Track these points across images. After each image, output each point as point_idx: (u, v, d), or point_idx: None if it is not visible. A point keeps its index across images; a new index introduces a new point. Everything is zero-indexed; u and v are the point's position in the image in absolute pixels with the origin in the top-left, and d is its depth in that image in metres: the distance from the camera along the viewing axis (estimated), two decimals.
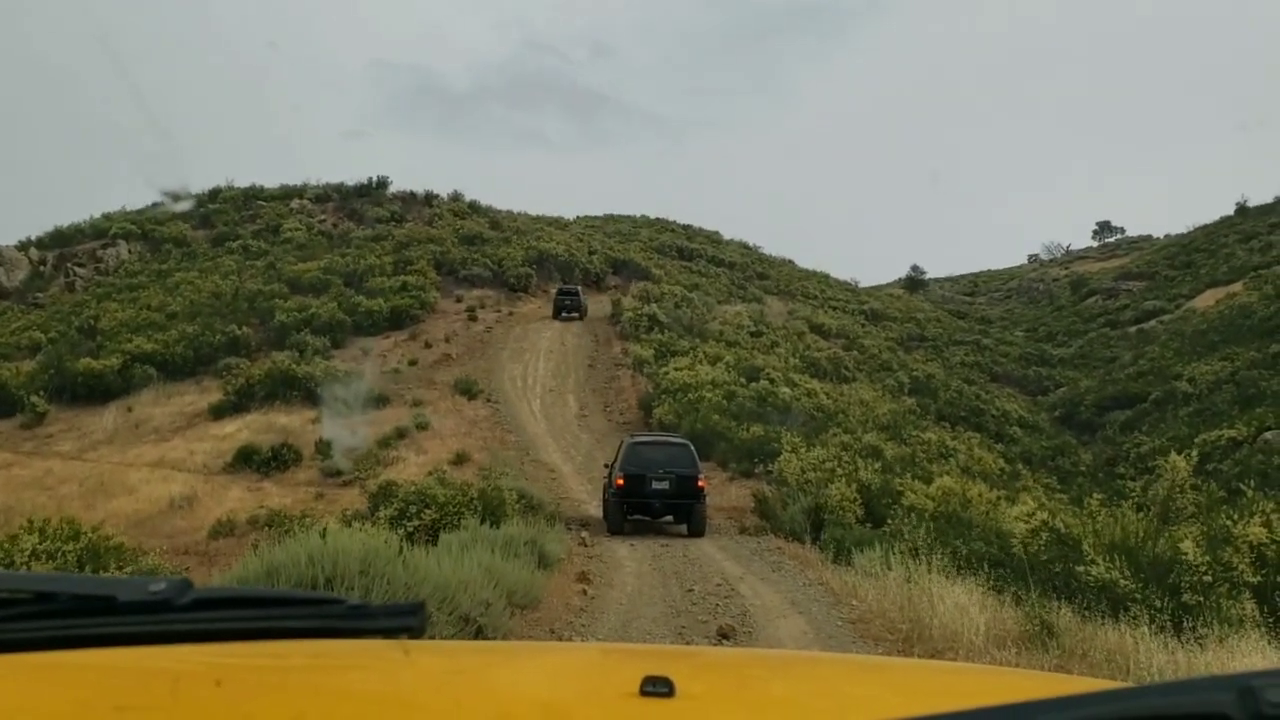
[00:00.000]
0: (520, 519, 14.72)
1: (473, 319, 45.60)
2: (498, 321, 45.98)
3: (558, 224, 73.52)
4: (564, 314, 46.89)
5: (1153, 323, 61.25)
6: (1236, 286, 58.06)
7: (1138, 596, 9.19)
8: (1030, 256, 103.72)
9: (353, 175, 68.16)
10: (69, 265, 54.21)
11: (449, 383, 34.93)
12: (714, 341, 42.02)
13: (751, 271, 72.69)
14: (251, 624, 1.09)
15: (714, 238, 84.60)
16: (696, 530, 17.86)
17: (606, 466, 20.19)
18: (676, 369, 34.73)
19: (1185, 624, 8.68)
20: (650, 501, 17.87)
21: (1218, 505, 13.62)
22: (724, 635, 9.37)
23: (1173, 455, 20.22)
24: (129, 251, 56.62)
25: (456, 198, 67.27)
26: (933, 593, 9.82)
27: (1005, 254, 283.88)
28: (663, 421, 29.07)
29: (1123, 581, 9.38)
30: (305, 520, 16.11)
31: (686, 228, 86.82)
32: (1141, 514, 13.36)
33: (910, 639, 9.07)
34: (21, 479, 27.80)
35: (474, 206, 66.41)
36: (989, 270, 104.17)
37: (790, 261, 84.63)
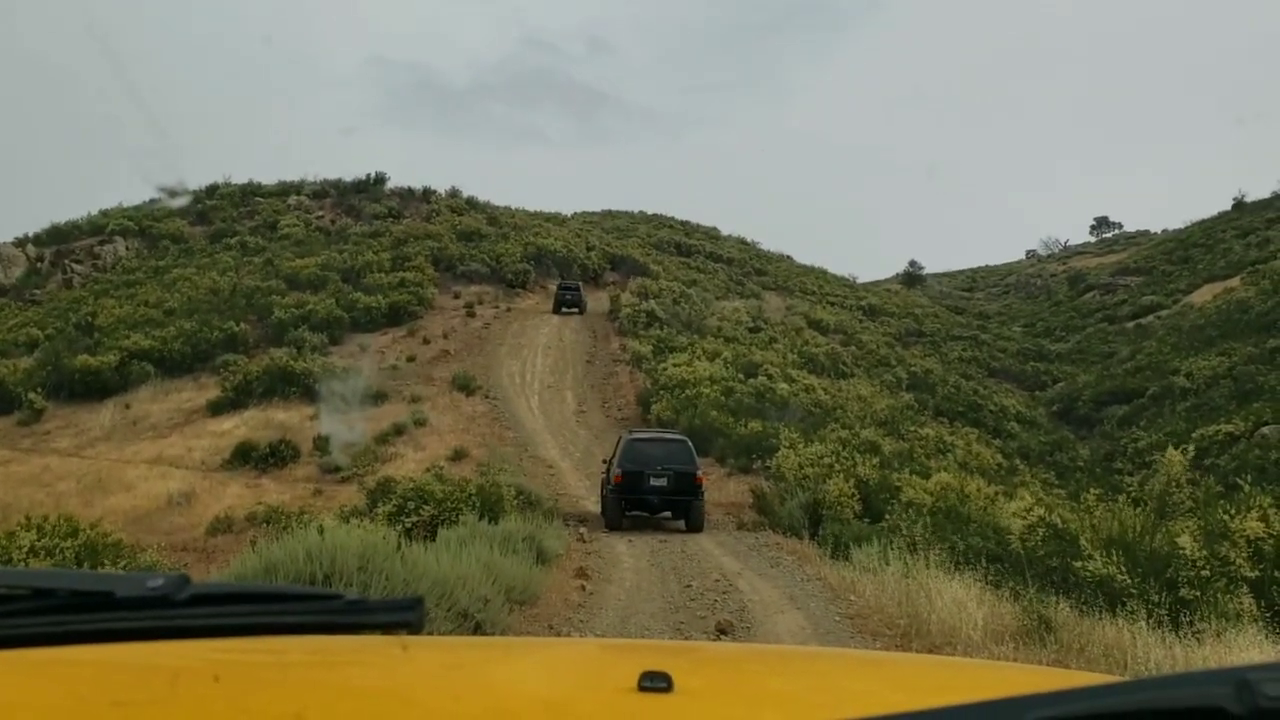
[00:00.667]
0: (518, 515, 14.71)
1: (471, 315, 45.58)
2: (496, 318, 45.95)
3: (555, 220, 73.45)
4: (564, 309, 47.25)
5: (1150, 318, 61.30)
6: (1234, 281, 58.09)
7: (1135, 591, 9.20)
8: (1028, 252, 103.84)
9: (350, 171, 68.00)
10: (66, 262, 54.13)
11: (447, 379, 34.91)
12: (712, 337, 42.04)
13: (749, 267, 72.71)
14: (250, 619, 1.09)
15: (712, 233, 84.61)
16: (695, 526, 17.87)
17: (604, 462, 20.19)
18: (675, 365, 34.73)
19: (1183, 619, 8.70)
20: (648, 498, 17.88)
21: (1215, 500, 13.64)
22: (722, 631, 9.38)
23: (1169, 450, 20.26)
24: (126, 248, 56.56)
25: (454, 194, 67.21)
26: (931, 588, 9.84)
27: (1003, 249, 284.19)
28: (661, 417, 29.07)
29: (1120, 576, 9.39)
30: (303, 517, 16.12)
31: (684, 224, 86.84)
32: (1139, 509, 13.37)
33: (908, 634, 9.08)
34: (19, 476, 27.78)
35: (472, 203, 66.36)
36: (987, 265, 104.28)
37: (788, 257, 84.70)
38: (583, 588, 11.50)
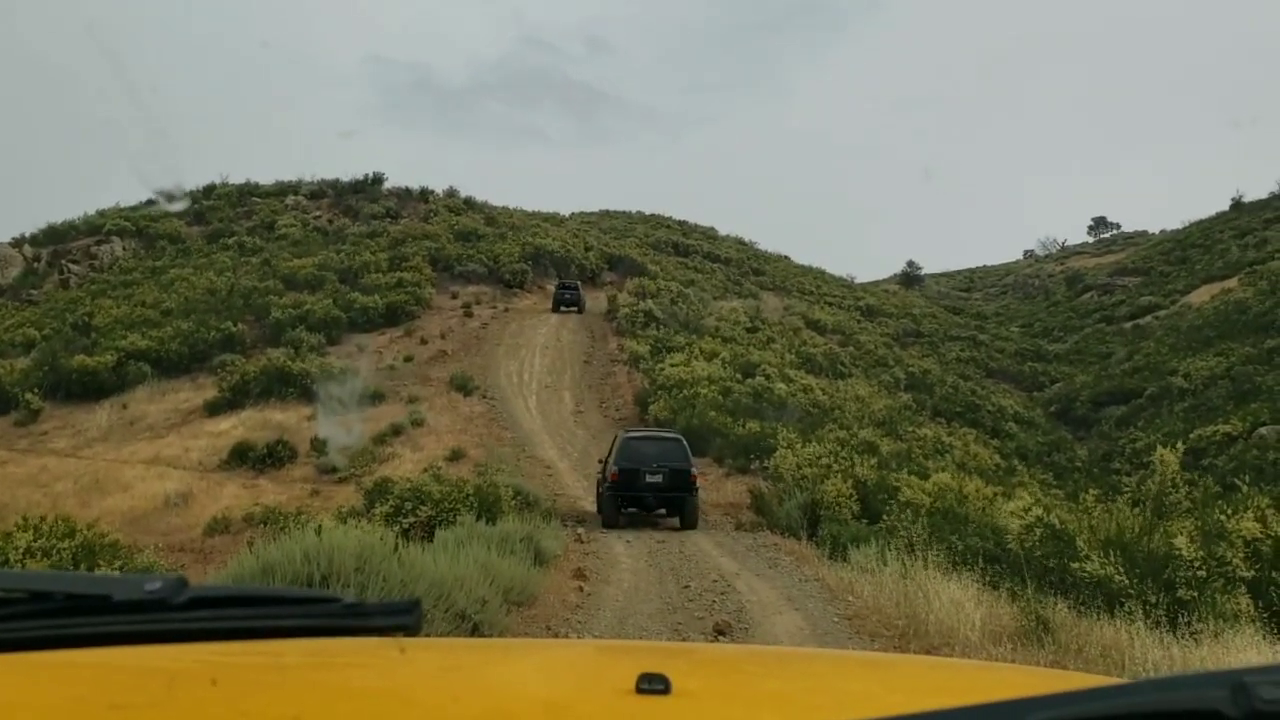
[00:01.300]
0: (516, 515, 14.69)
1: (468, 315, 45.57)
2: (494, 318, 45.94)
3: (553, 220, 73.47)
4: (563, 307, 47.56)
5: (1148, 318, 61.36)
6: (1232, 282, 58.18)
7: (1133, 592, 9.21)
8: (1026, 252, 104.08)
9: (348, 171, 67.89)
10: (63, 262, 54.06)
11: (445, 379, 34.90)
12: (710, 337, 42.02)
13: (747, 267, 72.75)
14: (247, 623, 1.09)
15: (710, 234, 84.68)
16: (689, 523, 18.11)
17: (600, 461, 20.39)
18: (672, 365, 34.73)
19: (1180, 619, 8.71)
20: (644, 495, 18.14)
21: (1212, 500, 13.65)
22: (720, 631, 9.38)
23: (1160, 450, 20.26)
24: (123, 248, 56.48)
25: (452, 194, 67.20)
26: (928, 588, 9.84)
27: (1001, 250, 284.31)
28: (658, 418, 29.08)
29: (1118, 577, 9.40)
30: (301, 517, 16.09)
31: (682, 224, 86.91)
32: (1136, 509, 13.38)
33: (906, 635, 9.08)
34: (16, 476, 27.75)
35: (469, 203, 66.34)
36: (985, 266, 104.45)
37: (786, 257, 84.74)
38: (581, 588, 11.49)
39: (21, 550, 8.93)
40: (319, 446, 27.77)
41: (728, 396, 31.02)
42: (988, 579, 10.68)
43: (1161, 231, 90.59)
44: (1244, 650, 7.72)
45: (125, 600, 1.06)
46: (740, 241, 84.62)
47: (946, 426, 39.32)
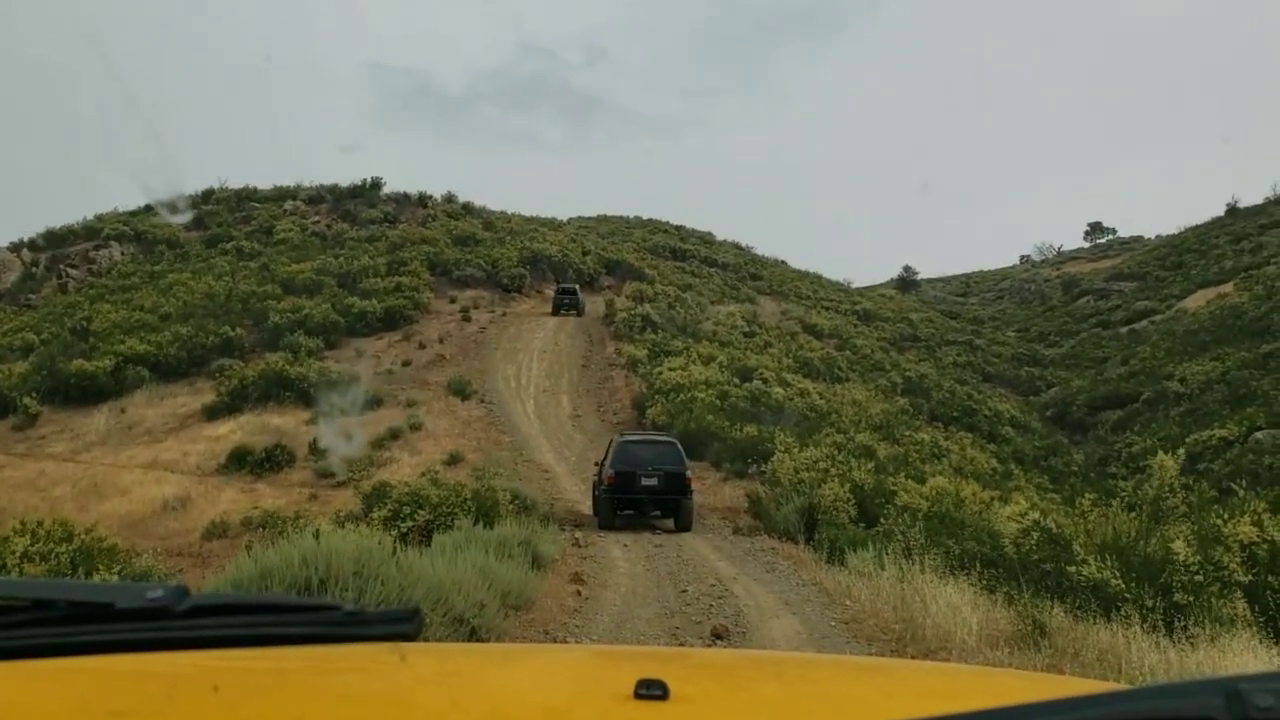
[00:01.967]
0: (514, 520, 14.67)
1: (466, 320, 45.57)
2: (491, 322, 45.95)
3: (551, 225, 73.49)
4: (562, 310, 47.84)
5: (1144, 323, 61.43)
6: (1227, 287, 58.28)
7: (1129, 596, 9.21)
8: (1022, 257, 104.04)
9: (347, 176, 68.03)
10: (61, 266, 54.03)
11: (443, 383, 34.89)
12: (707, 342, 42.05)
13: (745, 272, 72.80)
14: (248, 631, 1.09)
15: (707, 238, 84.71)
16: (684, 525, 18.24)
17: (597, 465, 20.44)
18: (670, 369, 34.74)
19: (1177, 623, 8.71)
20: (640, 497, 18.25)
21: (1209, 505, 13.67)
22: (718, 636, 9.37)
23: (1159, 455, 20.30)
24: (122, 253, 56.47)
25: (450, 199, 67.24)
26: (926, 593, 9.84)
27: (997, 254, 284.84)
28: (656, 422, 29.09)
29: (1114, 581, 9.40)
30: (299, 521, 16.08)
31: (680, 228, 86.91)
32: (1133, 514, 13.39)
33: (903, 639, 9.08)
34: (14, 480, 27.69)
35: (467, 207, 66.37)
36: (981, 271, 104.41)
37: (783, 262, 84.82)
38: (578, 593, 11.48)
39: (19, 555, 8.91)
40: (317, 451, 27.74)
41: (725, 401, 31.03)
42: (984, 583, 10.67)
43: (1157, 237, 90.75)
44: (1240, 655, 7.73)
45: (127, 608, 1.07)
46: (737, 246, 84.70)
47: (943, 431, 39.32)
